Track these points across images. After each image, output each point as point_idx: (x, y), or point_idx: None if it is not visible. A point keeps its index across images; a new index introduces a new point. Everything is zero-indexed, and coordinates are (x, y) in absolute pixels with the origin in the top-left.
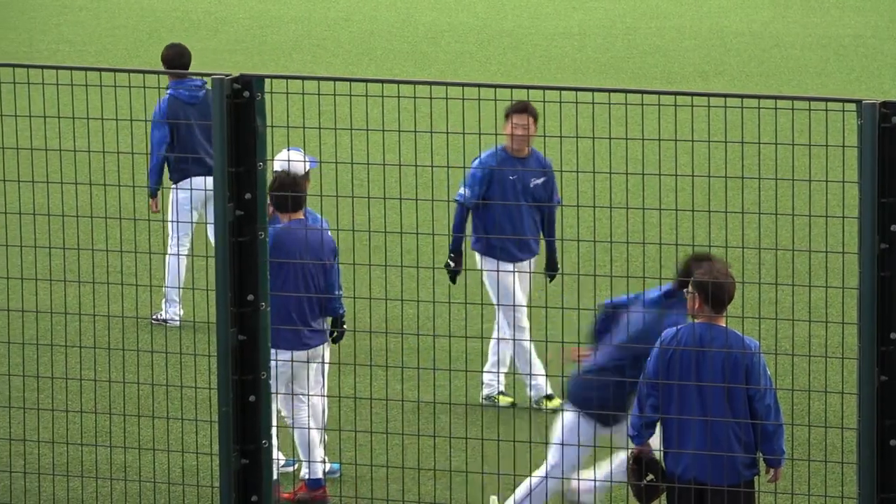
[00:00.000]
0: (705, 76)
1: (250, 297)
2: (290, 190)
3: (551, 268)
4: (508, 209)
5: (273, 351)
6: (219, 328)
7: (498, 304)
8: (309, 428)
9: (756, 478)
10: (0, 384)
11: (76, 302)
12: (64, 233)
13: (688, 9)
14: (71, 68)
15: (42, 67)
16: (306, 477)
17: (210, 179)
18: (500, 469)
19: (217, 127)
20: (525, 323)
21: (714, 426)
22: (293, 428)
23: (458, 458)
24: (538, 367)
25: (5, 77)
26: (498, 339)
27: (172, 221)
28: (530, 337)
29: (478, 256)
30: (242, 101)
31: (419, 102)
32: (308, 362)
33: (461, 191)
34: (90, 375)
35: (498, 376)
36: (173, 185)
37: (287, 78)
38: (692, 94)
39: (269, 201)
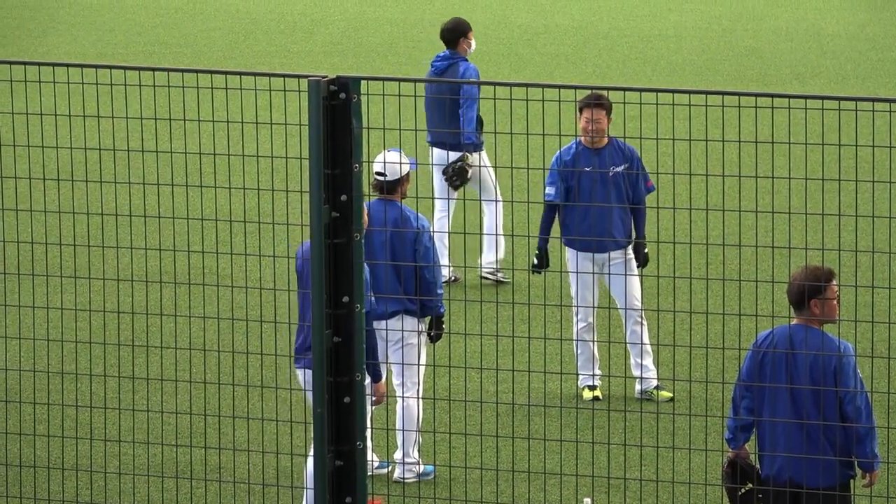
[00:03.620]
0: (801, 78)
1: (345, 299)
2: None
3: (638, 262)
4: (588, 201)
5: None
6: (314, 330)
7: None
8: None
9: (852, 480)
10: (96, 385)
11: (172, 303)
12: (160, 234)
13: (784, 11)
14: (168, 70)
15: (139, 69)
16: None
17: (435, 151)
18: (594, 471)
19: (313, 129)
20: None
21: (807, 427)
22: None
23: (552, 459)
24: (645, 358)
25: (102, 79)
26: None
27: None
28: (643, 331)
29: (566, 250)
30: (339, 103)
31: (515, 104)
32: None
33: (547, 190)
34: (185, 376)
35: (592, 369)
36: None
37: (383, 80)
38: (789, 97)
39: None
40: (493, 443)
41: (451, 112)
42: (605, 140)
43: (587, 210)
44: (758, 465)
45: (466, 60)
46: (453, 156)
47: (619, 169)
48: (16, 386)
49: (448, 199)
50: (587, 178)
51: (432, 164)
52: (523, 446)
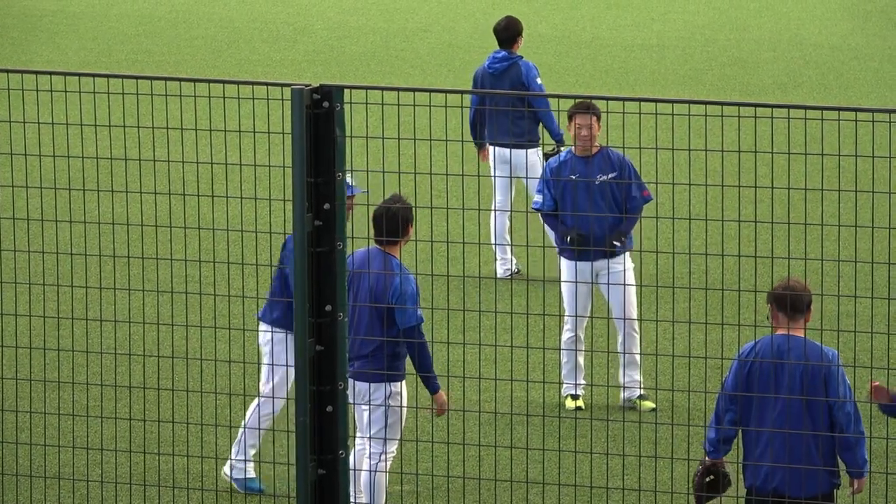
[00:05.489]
0: (784, 88)
1: (328, 308)
2: None
3: (611, 239)
4: (576, 209)
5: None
6: (297, 338)
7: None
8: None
9: (836, 490)
10: (78, 393)
11: (154, 311)
12: (143, 242)
13: (767, 21)
14: (150, 78)
15: (122, 77)
16: None
17: (497, 150)
18: (576, 480)
19: (296, 137)
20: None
21: (793, 436)
22: None
23: (534, 469)
24: (632, 368)
25: (85, 87)
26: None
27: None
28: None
29: (560, 259)
30: (322, 112)
31: None
32: None
33: (535, 198)
34: (167, 385)
35: (576, 379)
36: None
37: (366, 88)
38: (772, 106)
39: None
40: (476, 452)
41: (510, 111)
42: (596, 148)
43: (576, 218)
44: (741, 476)
45: (522, 58)
46: (514, 153)
47: (606, 177)
48: None
49: (501, 198)
50: (570, 186)
51: (494, 162)
52: (506, 455)
